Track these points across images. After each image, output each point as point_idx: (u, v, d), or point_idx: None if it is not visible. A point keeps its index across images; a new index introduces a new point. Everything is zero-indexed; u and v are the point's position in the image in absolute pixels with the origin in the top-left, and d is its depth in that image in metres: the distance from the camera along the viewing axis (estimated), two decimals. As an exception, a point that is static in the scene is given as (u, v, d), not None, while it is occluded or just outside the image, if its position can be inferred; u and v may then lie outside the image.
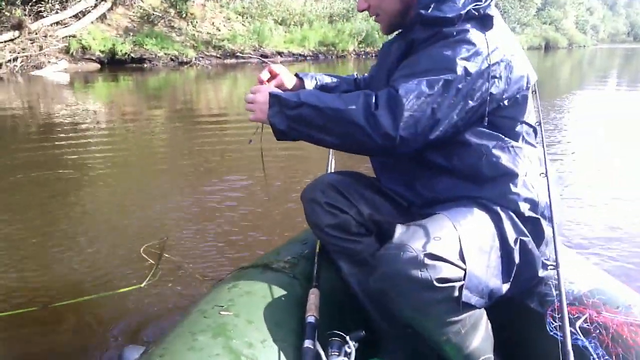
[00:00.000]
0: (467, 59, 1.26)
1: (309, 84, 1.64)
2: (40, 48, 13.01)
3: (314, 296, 1.35)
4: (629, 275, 2.38)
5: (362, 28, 20.27)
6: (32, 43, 13.05)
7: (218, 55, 16.24)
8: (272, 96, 1.34)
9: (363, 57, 20.11)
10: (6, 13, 12.98)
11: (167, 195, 3.75)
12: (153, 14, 16.00)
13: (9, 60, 12.34)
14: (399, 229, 1.21)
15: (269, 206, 3.45)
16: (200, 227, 3.10)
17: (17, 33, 12.86)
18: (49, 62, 12.84)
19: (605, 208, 3.39)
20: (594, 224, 3.08)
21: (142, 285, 2.33)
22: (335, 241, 1.50)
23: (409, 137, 1.25)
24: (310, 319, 1.28)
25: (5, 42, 12.71)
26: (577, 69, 21.46)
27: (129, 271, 2.51)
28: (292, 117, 1.31)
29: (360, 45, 20.43)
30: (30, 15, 13.41)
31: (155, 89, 11.17)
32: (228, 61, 16.26)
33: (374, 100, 1.27)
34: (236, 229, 3.07)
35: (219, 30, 17.30)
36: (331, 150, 1.93)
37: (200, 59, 15.70)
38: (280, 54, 17.73)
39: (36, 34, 13.21)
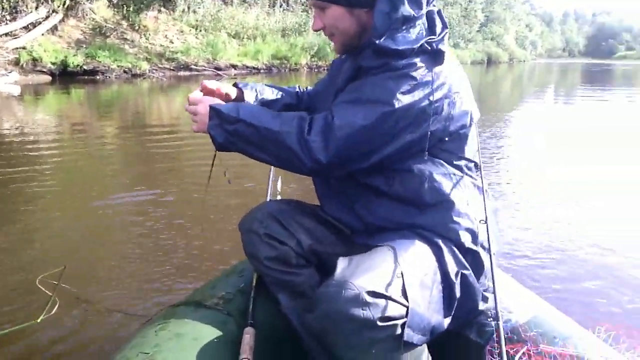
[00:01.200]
0: (409, 93, 1.22)
1: (249, 95, 1.55)
2: (-11, 59, 12.43)
3: (248, 336, 1.26)
4: (568, 301, 2.34)
5: (314, 42, 20.26)
6: (-21, 54, 12.46)
7: (171, 68, 15.88)
8: (212, 109, 1.31)
9: (315, 70, 20.10)
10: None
11: (79, 214, 3.45)
12: (105, 26, 15.53)
13: (-46, 72, 11.72)
14: (341, 264, 1.15)
15: (191, 230, 3.15)
16: (106, 252, 2.84)
17: (-37, 44, 12.26)
18: (-1, 73, 12.28)
19: (545, 231, 3.31)
20: (533, 248, 3.01)
21: (38, 321, 2.07)
22: (274, 273, 1.41)
23: (338, 164, 1.24)
24: None
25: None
26: (517, 83, 22.15)
27: (22, 305, 2.22)
28: (230, 132, 1.29)
29: (313, 59, 20.39)
30: (-23, 26, 12.82)
31: (107, 101, 10.79)
32: (182, 73, 15.91)
33: (307, 125, 1.25)
34: (152, 253, 2.82)
35: (172, 43, 16.96)
36: (271, 176, 1.86)
37: (154, 71, 15.32)
38: (234, 66, 17.51)
39: (-16, 45, 12.62)
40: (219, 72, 16.61)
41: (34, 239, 3.01)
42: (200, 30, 18.23)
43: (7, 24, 13.39)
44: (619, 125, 8.59)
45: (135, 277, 2.55)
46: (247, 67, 17.99)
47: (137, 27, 16.30)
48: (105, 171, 4.80)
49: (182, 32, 17.79)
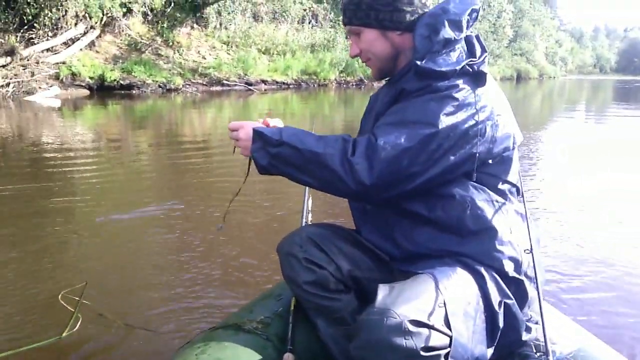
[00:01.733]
0: (453, 115, 1.21)
1: None
2: (32, 74, 12.79)
3: None
4: (615, 334, 2.22)
5: (343, 58, 20.39)
6: (24, 69, 12.83)
7: (204, 83, 16.16)
8: (255, 132, 1.31)
9: (344, 86, 20.23)
10: (0, 40, 12.81)
11: (99, 230, 3.44)
12: (140, 42, 15.91)
13: (1, 86, 12.11)
14: (382, 291, 1.12)
15: (213, 248, 3.10)
16: (130, 268, 2.82)
17: (9, 59, 12.65)
18: (40, 87, 12.63)
19: (591, 258, 3.11)
20: (578, 277, 2.85)
21: (62, 336, 2.04)
22: (312, 298, 1.39)
23: (382, 187, 1.22)
24: None
25: (-2, 68, 12.52)
26: (547, 100, 21.75)
27: (45, 321, 2.20)
28: (273, 155, 1.29)
29: (342, 75, 20.52)
30: (21, 42, 13.24)
31: (142, 115, 11.01)
32: (214, 88, 16.18)
33: (351, 146, 1.24)
34: (176, 270, 2.80)
35: (205, 59, 17.27)
36: (306, 200, 1.86)
37: (187, 86, 15.62)
38: (264, 82, 17.74)
39: (28, 60, 13.01)
40: (250, 87, 16.81)
41: (57, 252, 3.02)
42: (232, 47, 18.54)
43: (48, 39, 13.82)
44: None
45: (157, 293, 2.55)
46: (277, 82, 18.20)
47: (170, 43, 16.66)
48: (136, 185, 4.86)
49: (214, 48, 18.10)
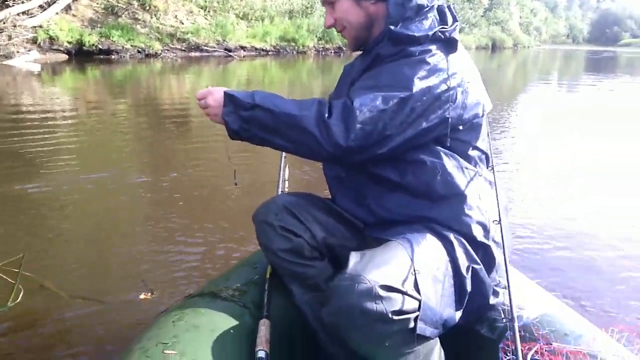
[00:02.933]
0: (425, 79, 1.22)
1: None
2: (9, 37, 12.29)
3: (264, 328, 1.24)
4: (580, 300, 2.28)
5: (320, 24, 19.99)
6: (0, 32, 12.36)
7: (182, 48, 15.76)
8: (227, 95, 1.28)
9: (322, 53, 19.92)
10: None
11: (49, 195, 3.38)
12: (117, 5, 15.37)
13: (-22, 49, 11.67)
14: (353, 258, 1.13)
15: (171, 217, 3.08)
16: (66, 239, 2.79)
17: (-17, 22, 12.19)
18: (18, 52, 12.18)
19: (557, 227, 3.18)
20: (544, 244, 2.92)
21: (7, 307, 2.02)
22: (287, 265, 1.40)
23: (357, 149, 1.22)
24: (261, 353, 1.17)
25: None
26: (521, 69, 21.83)
27: None
28: (245, 118, 1.26)
29: (320, 42, 20.14)
30: (-5, 5, 12.72)
31: (121, 80, 10.75)
32: (193, 54, 15.80)
33: (327, 109, 1.23)
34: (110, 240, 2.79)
35: (182, 24, 16.77)
36: (282, 169, 1.85)
37: (166, 51, 15.23)
38: (243, 48, 17.36)
39: (4, 23, 12.51)
40: (230, 54, 16.49)
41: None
42: (209, 11, 18.02)
43: (23, 2, 13.29)
44: (626, 114, 8.42)
45: (103, 262, 2.54)
46: (256, 48, 17.84)
47: (147, 7, 16.12)
48: (105, 151, 4.78)
49: (191, 12, 17.58)
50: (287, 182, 1.88)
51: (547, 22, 69.45)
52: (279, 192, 1.73)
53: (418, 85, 1.22)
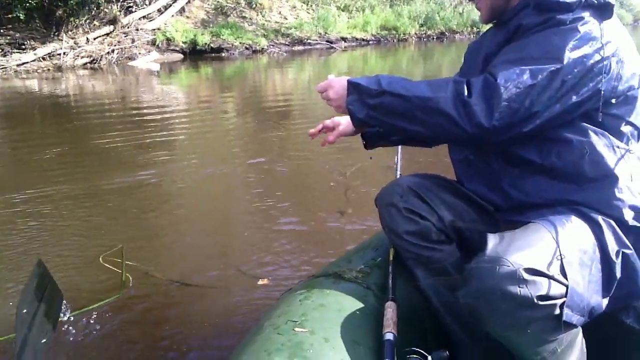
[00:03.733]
0: (578, 49, 1.10)
1: None
2: (132, 41, 13.32)
3: (391, 310, 1.19)
4: None
5: (423, 10, 19.55)
6: (125, 36, 13.38)
7: (287, 43, 16.09)
8: (350, 83, 1.24)
9: (425, 39, 19.33)
10: (105, 10, 13.36)
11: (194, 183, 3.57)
12: (226, 6, 16.03)
13: (107, 53, 12.69)
14: (492, 240, 1.05)
15: (273, 211, 3.06)
16: (162, 228, 2.87)
17: (112, 27, 13.25)
18: (140, 53, 13.14)
19: None
20: None
21: (119, 295, 2.12)
22: (413, 248, 1.33)
23: (501, 128, 1.11)
24: (389, 335, 1.12)
25: (103, 36, 13.12)
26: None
27: (96, 283, 2.26)
28: (372, 106, 1.20)
29: (422, 28, 19.57)
30: (121, 11, 13.76)
31: (230, 76, 11.24)
32: (296, 48, 16.08)
33: (465, 87, 1.12)
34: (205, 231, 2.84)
35: (286, 19, 17.14)
36: (399, 152, 1.79)
37: (272, 46, 15.67)
38: (344, 39, 17.37)
39: (128, 27, 13.55)
40: (333, 45, 16.61)
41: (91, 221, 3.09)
42: (311, 5, 18.23)
43: (144, 7, 14.27)
44: None
45: (206, 250, 2.60)
46: (357, 39, 17.76)
47: (253, 5, 16.64)
48: (218, 143, 4.98)
49: (294, 7, 17.90)
50: (399, 162, 1.82)
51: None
52: (398, 176, 1.67)
53: (570, 56, 1.09)
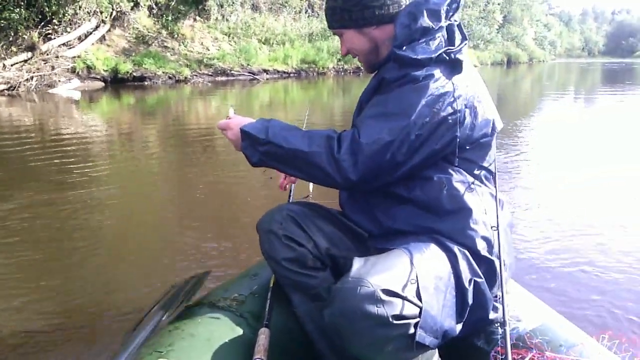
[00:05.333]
0: (431, 104, 1.19)
1: None
2: (52, 68, 12.77)
3: (263, 336, 1.21)
4: (575, 310, 2.25)
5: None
6: (44, 63, 12.81)
7: (209, 73, 16.08)
8: (243, 132, 1.31)
9: (342, 73, 19.96)
10: (23, 36, 12.78)
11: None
12: (148, 35, 15.78)
13: (26, 80, 12.10)
14: (357, 263, 1.11)
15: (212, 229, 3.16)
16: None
17: (30, 54, 12.67)
18: (59, 80, 12.64)
19: (559, 240, 3.11)
20: (545, 257, 2.86)
21: None
22: (290, 275, 1.36)
23: (368, 179, 1.22)
24: None
25: (21, 62, 12.52)
26: (537, 83, 21.43)
27: None
28: (263, 152, 1.29)
29: (339, 63, 20.23)
30: (39, 38, 13.17)
31: (153, 105, 11.00)
32: (219, 78, 16.09)
33: (336, 144, 1.22)
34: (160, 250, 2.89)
35: (209, 50, 17.12)
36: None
37: (195, 76, 15.57)
38: (266, 71, 17.60)
39: (47, 54, 12.99)
40: (256, 77, 16.77)
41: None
42: (233, 38, 18.32)
43: (63, 34, 13.79)
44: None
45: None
46: (278, 71, 18.05)
47: (175, 36, 16.53)
48: (139, 172, 4.90)
49: (216, 39, 17.94)
50: (310, 190, 1.87)
51: (562, 35, 68.47)
52: (291, 200, 1.72)
53: (424, 112, 1.19)
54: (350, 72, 20.15)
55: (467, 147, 1.27)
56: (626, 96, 14.30)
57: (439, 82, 1.22)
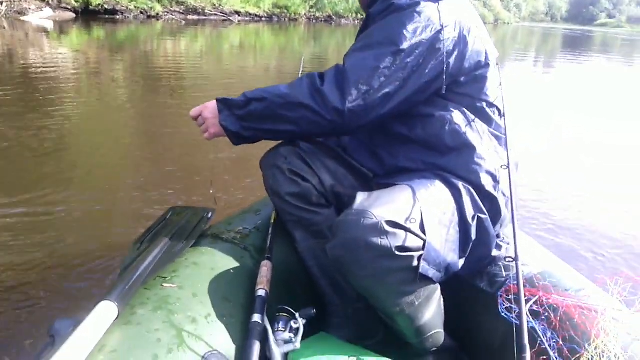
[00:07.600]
0: (416, 32, 1.11)
1: None
2: (22, -6, 12.12)
3: (265, 269, 1.17)
4: (577, 263, 2.23)
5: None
6: (13, -10, 12.12)
7: (181, 11, 15.47)
8: (219, 101, 1.24)
9: (313, 21, 19.48)
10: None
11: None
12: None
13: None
14: (360, 196, 1.06)
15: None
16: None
17: (0, -20, 11.89)
18: (30, 8, 11.93)
19: (559, 194, 3.13)
20: (546, 207, 2.85)
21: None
22: (293, 210, 1.29)
23: (358, 111, 1.12)
24: (261, 292, 1.10)
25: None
26: (500, 44, 21.63)
27: None
28: (242, 116, 1.21)
29: (311, 10, 19.68)
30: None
31: (122, 40, 10.51)
32: (190, 17, 15.48)
33: (318, 78, 1.16)
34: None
35: (182, -13, 16.55)
36: None
37: (166, 13, 15.01)
38: (238, 13, 16.99)
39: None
40: (229, 17, 16.31)
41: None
42: (207, -24, 17.68)
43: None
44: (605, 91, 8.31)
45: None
46: (250, 14, 17.50)
47: (150, -30, 15.83)
48: (106, 109, 4.68)
49: (190, -23, 17.27)
50: None
51: (527, -1, 68.17)
52: None
53: (408, 38, 1.11)
54: (322, 20, 19.75)
55: (462, 80, 1.20)
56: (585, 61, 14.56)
57: (425, 10, 1.14)
